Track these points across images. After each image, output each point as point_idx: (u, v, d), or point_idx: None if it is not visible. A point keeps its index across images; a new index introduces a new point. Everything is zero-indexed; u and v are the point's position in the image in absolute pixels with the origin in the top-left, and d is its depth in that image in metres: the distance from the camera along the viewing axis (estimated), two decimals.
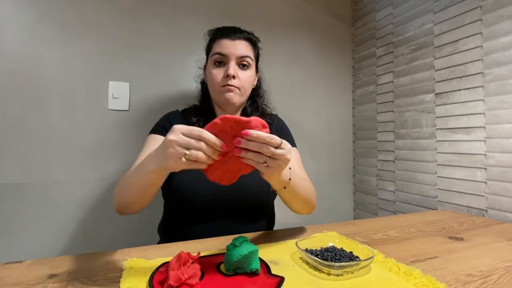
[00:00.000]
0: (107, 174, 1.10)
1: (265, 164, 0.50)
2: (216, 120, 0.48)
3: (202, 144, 0.47)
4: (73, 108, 1.06)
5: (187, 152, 0.47)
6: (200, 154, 0.47)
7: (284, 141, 0.51)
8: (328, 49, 1.53)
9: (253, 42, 0.87)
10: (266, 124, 0.50)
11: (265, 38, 0.89)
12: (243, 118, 0.48)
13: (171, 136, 0.47)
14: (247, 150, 0.49)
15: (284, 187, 0.64)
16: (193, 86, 1.21)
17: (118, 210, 0.69)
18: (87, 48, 1.08)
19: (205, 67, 0.90)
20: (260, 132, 0.48)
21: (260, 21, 1.35)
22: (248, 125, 0.48)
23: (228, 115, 0.48)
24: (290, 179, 0.64)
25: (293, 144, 0.91)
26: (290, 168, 0.65)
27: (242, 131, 0.47)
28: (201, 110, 0.88)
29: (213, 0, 1.27)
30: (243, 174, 0.54)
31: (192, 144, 0.47)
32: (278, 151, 0.49)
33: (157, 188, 0.61)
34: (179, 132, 0.47)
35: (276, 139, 0.49)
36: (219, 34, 0.84)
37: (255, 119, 0.48)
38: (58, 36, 1.04)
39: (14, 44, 0.99)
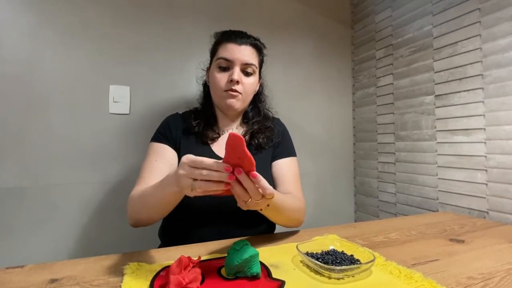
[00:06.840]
0: (108, 177, 1.10)
1: (244, 203, 0.52)
2: (233, 140, 0.46)
3: (203, 172, 0.48)
4: (74, 111, 1.06)
5: (193, 183, 0.49)
6: (201, 183, 0.49)
7: (272, 192, 0.50)
8: (328, 52, 1.53)
9: (259, 48, 0.86)
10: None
11: (265, 40, 0.90)
12: (250, 158, 0.47)
13: (180, 170, 0.51)
14: (239, 183, 0.49)
15: (261, 209, 0.63)
16: (193, 90, 1.22)
17: (133, 225, 0.72)
18: (88, 52, 1.09)
19: (208, 69, 0.89)
20: (263, 181, 0.48)
21: (259, 23, 1.35)
22: (252, 167, 0.48)
23: (240, 139, 0.46)
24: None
25: (293, 152, 0.91)
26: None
27: (251, 172, 0.48)
28: (202, 113, 0.88)
29: (213, 4, 1.28)
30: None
31: (195, 173, 0.48)
32: (263, 200, 0.51)
33: (175, 205, 0.65)
34: (185, 165, 0.50)
35: (270, 191, 0.49)
36: (225, 37, 0.83)
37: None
38: (59, 40, 1.05)
39: (15, 48, 1.00)
